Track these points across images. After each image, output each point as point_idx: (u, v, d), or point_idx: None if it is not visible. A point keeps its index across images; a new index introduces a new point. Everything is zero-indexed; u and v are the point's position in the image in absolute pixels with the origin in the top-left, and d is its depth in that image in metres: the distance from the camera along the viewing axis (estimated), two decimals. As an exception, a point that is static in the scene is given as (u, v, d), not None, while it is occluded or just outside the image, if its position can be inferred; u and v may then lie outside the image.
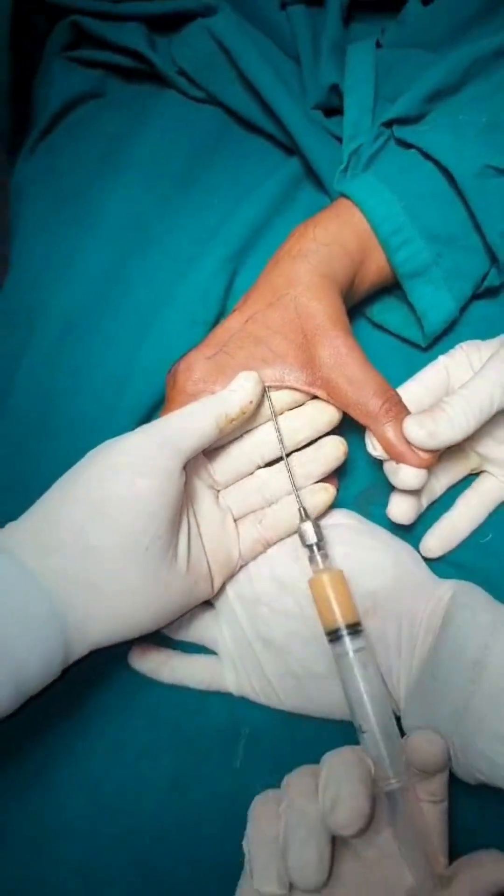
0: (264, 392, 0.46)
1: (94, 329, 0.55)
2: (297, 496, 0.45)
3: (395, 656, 0.43)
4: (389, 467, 0.45)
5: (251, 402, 0.44)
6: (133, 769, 0.46)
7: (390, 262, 0.50)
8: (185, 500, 0.43)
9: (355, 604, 0.42)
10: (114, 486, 0.39)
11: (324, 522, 0.48)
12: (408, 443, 0.43)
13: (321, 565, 0.43)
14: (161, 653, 0.47)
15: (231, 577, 0.46)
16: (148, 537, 0.39)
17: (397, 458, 0.43)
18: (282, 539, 0.47)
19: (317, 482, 0.47)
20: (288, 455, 0.46)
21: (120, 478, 0.39)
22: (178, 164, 0.60)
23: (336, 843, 0.37)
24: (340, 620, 0.41)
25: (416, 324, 0.53)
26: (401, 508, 0.46)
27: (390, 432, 0.43)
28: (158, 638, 0.48)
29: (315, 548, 0.43)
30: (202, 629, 0.47)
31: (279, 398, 0.46)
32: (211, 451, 0.46)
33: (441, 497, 0.50)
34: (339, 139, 0.56)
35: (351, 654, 0.41)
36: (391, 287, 0.54)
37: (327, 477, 0.47)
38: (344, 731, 0.45)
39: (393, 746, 0.39)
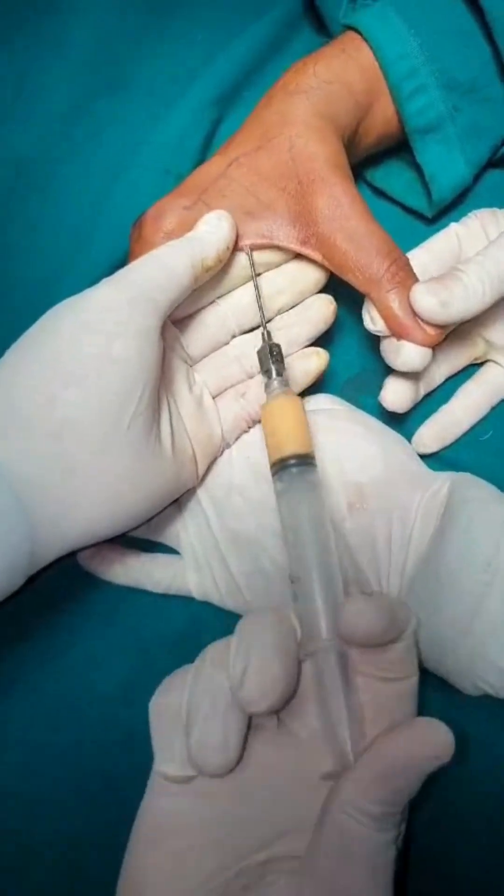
0: (246, 253, 0.39)
1: (52, 175, 0.47)
2: (262, 313, 0.39)
3: (385, 554, 0.38)
4: (388, 345, 0.39)
5: (227, 247, 0.37)
6: (81, 676, 0.42)
7: (399, 113, 0.43)
8: (162, 375, 0.37)
9: (311, 436, 0.37)
10: (88, 348, 0.32)
11: (307, 406, 0.42)
12: (414, 315, 0.37)
13: (278, 391, 0.37)
14: (114, 550, 0.42)
15: (214, 460, 0.40)
16: (129, 412, 0.33)
17: (400, 333, 0.37)
18: None
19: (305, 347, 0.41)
20: (268, 321, 0.40)
21: (94, 338, 0.33)
22: (157, -12, 0.51)
23: (252, 723, 0.33)
24: (291, 448, 0.36)
25: (422, 191, 0.47)
26: (396, 394, 0.40)
27: (395, 301, 0.37)
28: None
29: (273, 371, 0.38)
30: (161, 524, 0.41)
31: (259, 259, 0.40)
32: (179, 321, 0.40)
33: (439, 388, 0.44)
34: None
35: (296, 486, 0.35)
36: (396, 148, 0.47)
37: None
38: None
39: (332, 600, 0.33)
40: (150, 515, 0.36)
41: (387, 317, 0.37)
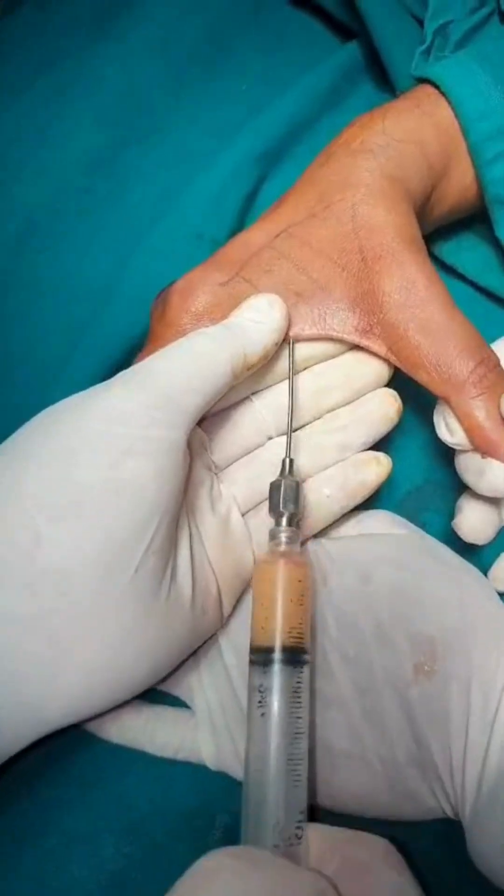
0: (289, 346, 0.32)
1: (65, 236, 0.40)
2: (290, 433, 0.31)
3: (460, 735, 0.29)
4: (470, 463, 0.31)
5: (276, 342, 0.30)
6: (63, 856, 0.32)
7: (479, 179, 0.36)
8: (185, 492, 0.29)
9: (310, 619, 0.29)
10: (88, 470, 0.25)
11: (355, 528, 0.34)
12: (506, 428, 0.29)
13: (283, 547, 0.30)
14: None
15: (242, 595, 0.32)
16: (139, 553, 0.25)
17: (487, 450, 0.29)
18: (312, 534, 0.33)
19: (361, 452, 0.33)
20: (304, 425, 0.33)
21: (98, 458, 0.25)
22: (200, 33, 0.45)
23: None
24: (278, 636, 0.28)
25: (501, 270, 0.39)
26: (475, 522, 0.32)
27: (481, 410, 0.29)
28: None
29: (284, 519, 0.30)
30: (173, 676, 0.33)
31: (304, 349, 0.33)
32: (206, 421, 0.32)
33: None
34: (419, 20, 0.42)
35: (274, 690, 0.27)
36: (472, 219, 0.40)
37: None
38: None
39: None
40: (161, 677, 0.28)
41: (470, 428, 0.29)
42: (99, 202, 0.40)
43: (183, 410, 0.26)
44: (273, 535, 0.30)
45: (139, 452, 0.25)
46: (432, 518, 0.36)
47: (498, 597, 0.32)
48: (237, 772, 0.32)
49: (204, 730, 0.32)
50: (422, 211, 0.35)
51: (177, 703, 0.34)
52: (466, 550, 0.34)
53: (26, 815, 0.33)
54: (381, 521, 0.34)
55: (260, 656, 0.28)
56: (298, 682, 0.28)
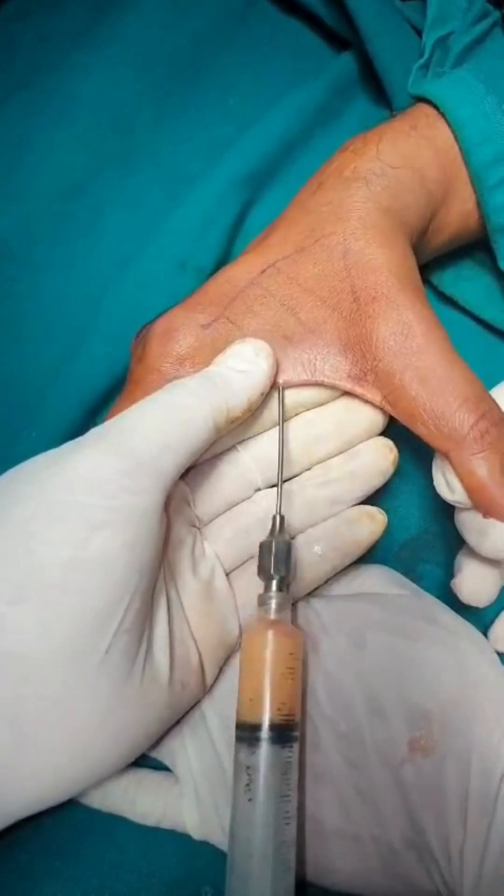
0: (278, 393, 0.30)
1: (40, 265, 0.38)
2: (280, 486, 0.29)
3: (457, 819, 0.27)
4: (470, 522, 0.29)
5: (262, 393, 0.28)
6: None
7: (481, 206, 0.34)
8: (164, 557, 0.27)
9: (300, 693, 0.27)
10: (50, 549, 0.23)
11: (349, 586, 0.32)
12: (509, 488, 0.27)
13: (273, 615, 0.27)
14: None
15: (227, 662, 0.30)
16: (109, 633, 0.23)
17: (489, 510, 0.27)
18: (302, 595, 0.31)
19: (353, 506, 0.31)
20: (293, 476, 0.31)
21: (65, 530, 0.23)
22: (184, 45, 0.42)
23: None
24: (266, 712, 0.26)
25: (503, 301, 0.37)
26: (475, 583, 0.30)
27: (483, 468, 0.27)
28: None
29: (274, 583, 0.28)
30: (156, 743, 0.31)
31: (294, 395, 0.30)
32: (188, 473, 0.30)
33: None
34: (417, 30, 0.39)
35: (262, 771, 0.25)
36: (472, 247, 0.37)
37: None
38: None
39: None
40: (135, 758, 0.26)
41: (471, 487, 0.27)
42: (77, 229, 0.38)
43: (159, 473, 0.24)
44: (262, 602, 0.28)
45: (108, 525, 0.23)
46: (430, 570, 0.34)
47: (499, 661, 0.30)
48: (222, 843, 0.30)
49: (187, 799, 0.30)
50: (419, 242, 0.33)
51: (159, 766, 0.32)
52: (465, 608, 0.32)
53: (5, 885, 0.31)
54: (376, 579, 0.32)
55: (246, 733, 0.26)
56: (288, 760, 0.26)
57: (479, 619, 0.33)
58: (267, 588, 0.28)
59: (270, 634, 0.27)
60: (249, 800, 0.26)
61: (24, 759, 0.23)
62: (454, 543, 0.33)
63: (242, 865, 0.25)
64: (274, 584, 0.28)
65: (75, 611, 0.23)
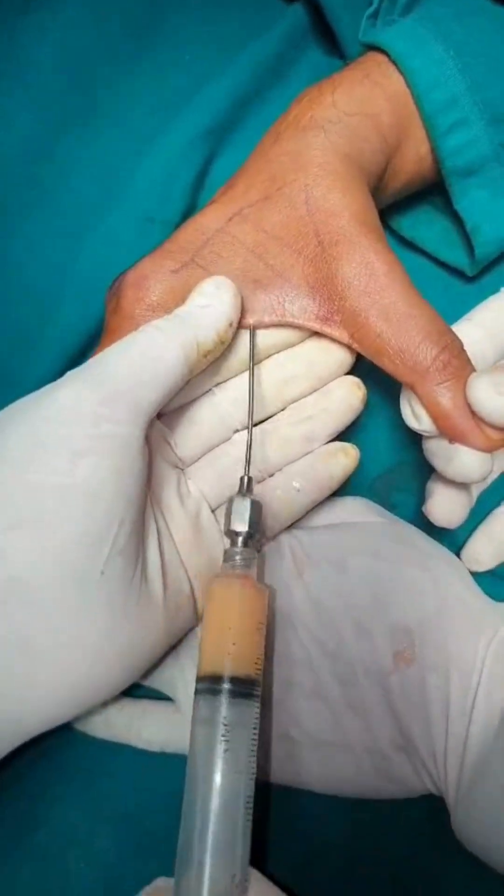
0: (250, 334, 0.31)
1: (9, 228, 0.38)
2: (249, 448, 0.30)
3: (440, 725, 0.29)
4: (437, 449, 0.30)
5: (230, 324, 0.29)
6: (58, 851, 0.33)
7: (435, 151, 0.35)
8: (147, 490, 0.28)
9: (262, 650, 0.28)
10: (43, 474, 0.24)
11: (328, 517, 0.34)
12: (472, 414, 0.29)
13: (239, 570, 0.29)
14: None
15: None
16: (103, 555, 0.25)
17: (454, 436, 0.29)
18: (282, 528, 0.33)
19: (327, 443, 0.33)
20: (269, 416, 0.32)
21: (52, 460, 0.24)
22: (137, 2, 0.43)
23: None
24: (231, 664, 0.27)
25: (460, 242, 0.39)
26: (446, 507, 0.32)
27: (446, 397, 0.29)
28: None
29: (240, 539, 0.29)
30: (154, 667, 0.33)
31: (265, 338, 0.32)
32: (168, 416, 0.32)
33: (491, 485, 0.36)
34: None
35: (221, 727, 0.26)
36: (429, 191, 0.39)
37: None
38: (358, 818, 0.32)
39: None
40: (137, 677, 0.29)
41: (436, 415, 0.29)
42: (44, 193, 0.39)
43: (135, 405, 0.26)
44: (228, 557, 0.29)
45: (91, 452, 0.25)
46: (404, 499, 0.36)
47: (471, 579, 0.33)
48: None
49: (190, 721, 0.32)
50: (377, 186, 0.35)
51: (161, 696, 0.34)
52: (438, 531, 0.34)
53: (17, 811, 0.33)
54: (354, 509, 0.34)
55: (207, 685, 0.27)
56: (251, 715, 0.27)
57: (452, 542, 0.35)
58: (233, 544, 0.29)
59: (237, 588, 0.28)
60: (226, 751, 0.26)
61: (38, 677, 0.25)
62: (424, 472, 0.34)
63: (196, 821, 0.26)
64: (240, 540, 0.29)
65: (69, 535, 0.24)
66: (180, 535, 0.30)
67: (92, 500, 0.25)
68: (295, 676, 0.31)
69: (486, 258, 0.37)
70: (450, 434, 0.29)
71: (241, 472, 0.31)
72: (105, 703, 0.33)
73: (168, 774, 0.33)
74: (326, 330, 0.31)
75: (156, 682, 0.33)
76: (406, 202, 0.39)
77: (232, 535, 0.29)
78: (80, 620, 0.25)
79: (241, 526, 0.29)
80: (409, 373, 0.29)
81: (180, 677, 0.32)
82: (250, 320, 0.31)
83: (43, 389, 0.27)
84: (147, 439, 0.27)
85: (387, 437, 0.37)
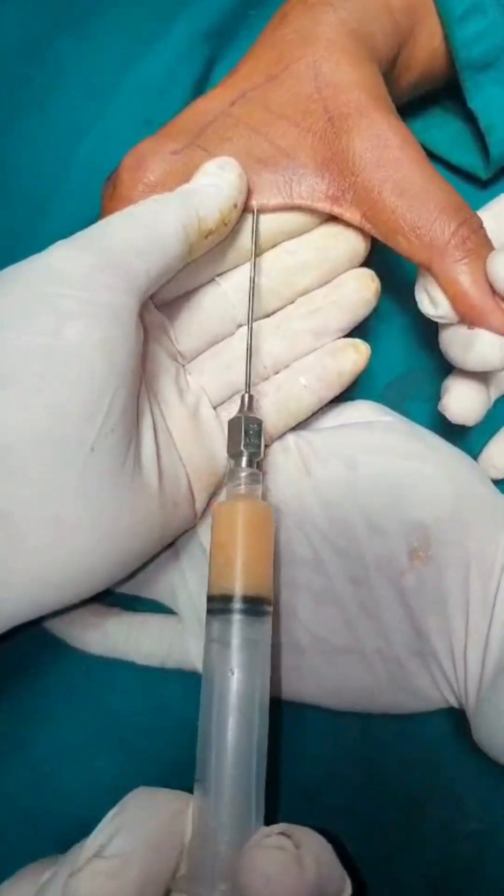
0: (252, 217, 0.29)
1: (8, 128, 0.37)
2: (249, 362, 0.29)
3: (460, 620, 0.28)
4: (455, 336, 0.29)
5: (234, 204, 0.27)
6: (55, 768, 0.31)
7: (448, 41, 0.33)
8: (143, 377, 0.27)
9: (271, 568, 0.27)
10: (27, 336, 0.23)
11: (336, 420, 0.32)
12: (493, 293, 0.27)
13: (243, 489, 0.27)
14: (88, 611, 0.31)
15: (217, 489, 0.30)
16: (93, 429, 0.23)
17: (472, 319, 0.27)
18: (288, 429, 0.31)
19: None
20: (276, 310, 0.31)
21: (39, 320, 0.23)
22: None
23: None
24: (241, 582, 0.26)
25: (474, 145, 0.37)
26: (463, 402, 0.30)
27: (465, 275, 0.27)
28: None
29: (244, 459, 0.27)
30: (150, 576, 0.31)
31: (272, 223, 0.30)
32: (166, 305, 0.30)
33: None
34: None
35: (235, 644, 0.25)
36: (442, 94, 0.37)
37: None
38: (366, 733, 0.30)
39: (242, 832, 0.24)
40: (129, 572, 0.27)
41: (455, 296, 0.27)
42: (39, 93, 0.37)
43: (130, 274, 0.24)
44: (232, 476, 0.28)
45: (80, 316, 0.23)
46: (417, 407, 0.34)
47: (488, 479, 0.31)
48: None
49: (193, 634, 0.30)
50: (388, 76, 0.33)
51: (161, 609, 0.32)
52: (454, 438, 0.32)
53: (14, 726, 0.32)
54: (363, 411, 0.32)
55: (218, 605, 0.26)
56: (263, 635, 0.26)
57: (468, 450, 0.33)
58: (236, 464, 0.28)
59: (242, 506, 0.27)
60: (223, 674, 0.25)
61: (16, 556, 0.23)
62: (438, 379, 0.33)
63: (213, 742, 0.25)
64: (244, 459, 0.27)
65: (56, 401, 0.22)
66: (178, 429, 0.28)
67: (79, 366, 0.23)
68: (303, 578, 0.29)
69: (500, 158, 0.35)
70: (468, 316, 0.27)
71: (242, 369, 0.29)
72: (101, 616, 0.31)
73: (169, 692, 0.32)
74: (337, 210, 0.29)
75: (156, 592, 0.31)
76: (418, 105, 0.38)
77: (235, 455, 0.28)
78: (65, 499, 0.23)
79: (243, 446, 0.27)
80: (425, 250, 0.27)
81: (181, 585, 0.31)
82: (254, 201, 0.29)
83: (33, 256, 0.25)
84: (142, 318, 0.26)
85: (399, 343, 0.35)
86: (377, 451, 0.30)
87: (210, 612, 0.26)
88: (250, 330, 0.29)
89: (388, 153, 0.28)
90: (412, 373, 0.35)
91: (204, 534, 0.30)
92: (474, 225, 0.27)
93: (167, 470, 0.27)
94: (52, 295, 0.23)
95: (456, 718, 0.30)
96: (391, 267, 0.33)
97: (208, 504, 0.30)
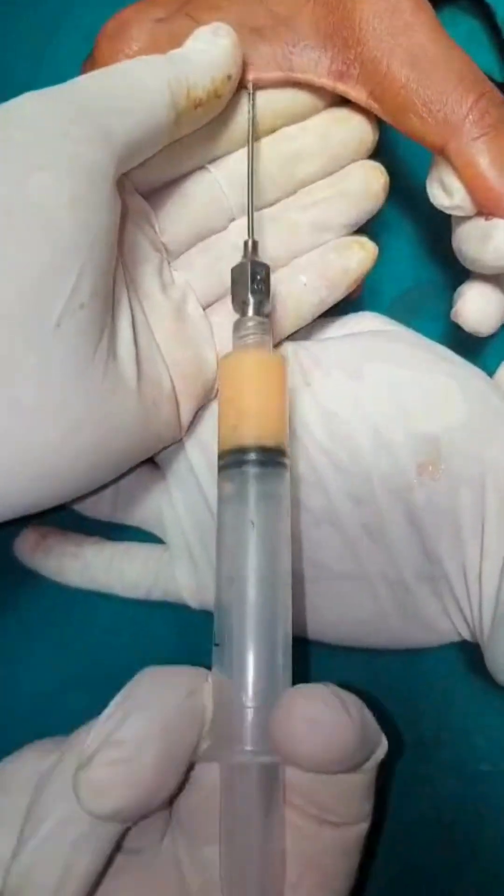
0: (248, 95, 0.26)
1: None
2: (251, 204, 0.26)
3: (474, 537, 0.25)
4: (471, 230, 0.26)
5: (227, 75, 0.24)
6: (32, 713, 0.29)
7: None
8: (120, 263, 0.24)
9: (286, 422, 0.24)
10: None
11: (344, 330, 0.29)
12: (515, 175, 0.24)
13: (251, 339, 0.24)
14: (66, 540, 0.29)
15: (207, 400, 0.27)
16: (59, 298, 0.20)
17: (491, 205, 0.25)
18: (286, 334, 0.28)
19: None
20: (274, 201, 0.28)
21: (1, 168, 0.20)
22: None
23: (123, 846, 0.21)
24: (254, 433, 0.23)
25: (489, 44, 0.34)
26: (478, 306, 0.27)
27: (484, 155, 0.24)
28: (62, 514, 0.29)
29: (250, 308, 0.24)
30: (133, 499, 0.28)
31: (271, 104, 0.27)
32: (151, 192, 0.27)
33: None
34: None
35: (252, 497, 0.22)
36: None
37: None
38: (371, 671, 0.28)
39: (269, 689, 0.21)
40: (105, 479, 0.24)
41: (472, 179, 0.24)
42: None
43: (105, 130, 0.21)
44: (238, 327, 0.25)
45: (48, 168, 0.20)
46: (426, 326, 0.31)
47: (502, 392, 0.28)
48: (218, 607, 0.28)
49: (180, 561, 0.28)
50: None
51: (146, 538, 0.29)
52: (461, 349, 0.30)
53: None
54: (367, 322, 0.29)
55: (231, 458, 0.23)
56: (281, 489, 0.23)
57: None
58: (243, 313, 0.25)
59: (251, 356, 0.24)
60: (242, 528, 0.22)
61: None
62: (449, 295, 0.30)
63: (232, 592, 0.22)
64: (250, 308, 0.25)
65: (18, 262, 0.19)
66: (161, 327, 0.25)
67: (44, 223, 0.20)
68: (300, 499, 0.26)
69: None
70: (487, 202, 0.25)
71: (236, 262, 0.26)
72: (80, 545, 0.29)
73: (156, 627, 0.29)
74: (341, 87, 0.26)
75: (140, 517, 0.29)
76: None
77: (240, 303, 0.25)
78: (25, 377, 0.20)
79: (251, 293, 0.24)
80: (440, 128, 0.25)
81: (168, 507, 0.28)
82: (250, 75, 0.26)
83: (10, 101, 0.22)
84: (123, 200, 0.23)
85: (407, 255, 0.32)
86: (384, 360, 0.27)
87: (223, 469, 0.23)
88: (251, 179, 0.26)
89: (398, 19, 0.25)
90: (421, 287, 0.32)
91: (192, 450, 0.27)
92: (495, 99, 0.25)
93: (147, 370, 0.24)
94: (18, 142, 0.20)
95: (466, 655, 0.28)
96: (399, 171, 0.30)
97: (198, 415, 0.27)
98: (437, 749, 0.27)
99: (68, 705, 0.29)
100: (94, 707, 0.28)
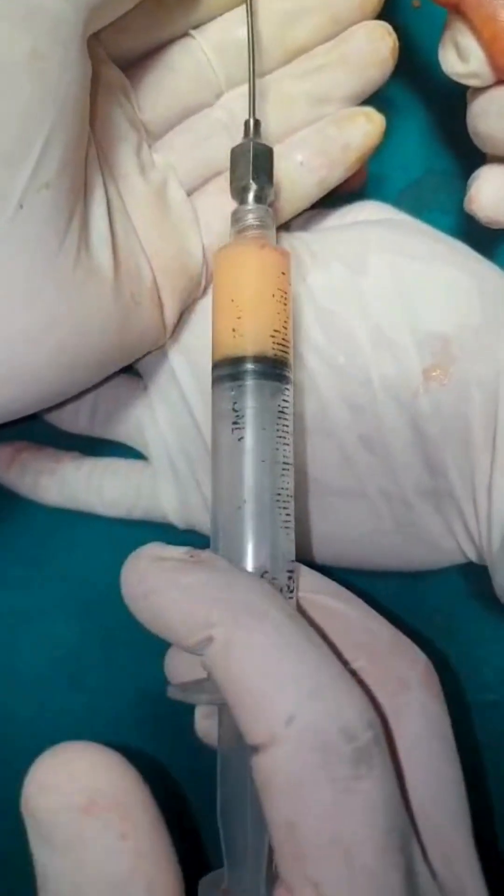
0: None
1: None
2: (252, 76, 0.22)
3: (485, 447, 0.23)
4: (488, 102, 0.23)
5: None
6: (8, 635, 0.27)
7: None
8: (93, 141, 0.21)
9: (289, 326, 0.21)
10: None
11: (345, 220, 0.27)
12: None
13: (252, 232, 0.21)
14: (42, 455, 0.27)
15: (192, 299, 0.25)
16: (20, 174, 0.18)
17: None
18: (280, 222, 0.25)
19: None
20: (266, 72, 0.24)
21: None
22: None
23: None
24: (252, 341, 0.20)
25: None
26: (493, 192, 0.24)
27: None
28: (39, 430, 0.27)
29: (251, 195, 0.21)
30: (113, 412, 0.26)
31: None
32: (128, 66, 0.24)
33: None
34: None
35: (254, 408, 0.20)
36: None
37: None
38: (370, 595, 0.26)
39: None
40: (81, 383, 0.22)
41: (491, 38, 0.21)
42: None
43: None
44: (238, 218, 0.22)
45: (4, 20, 0.17)
46: (436, 219, 0.28)
47: None
48: (204, 524, 0.26)
49: (164, 477, 0.26)
50: None
51: (127, 453, 0.27)
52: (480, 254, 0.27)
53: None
54: (370, 211, 0.26)
55: (228, 369, 0.20)
56: (285, 403, 0.20)
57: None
58: (242, 202, 0.22)
59: (250, 251, 0.21)
60: (239, 439, 0.20)
61: None
62: (461, 186, 0.27)
63: (231, 520, 0.20)
64: (251, 196, 0.22)
65: None
66: (140, 213, 0.23)
67: (6, 84, 0.17)
68: (293, 406, 0.24)
69: None
70: None
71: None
72: (58, 461, 0.27)
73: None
74: None
75: (121, 431, 0.26)
76: None
77: (239, 189, 0.22)
78: None
79: (252, 178, 0.21)
80: None
81: (150, 421, 0.26)
82: None
83: None
84: (93, 57, 0.20)
85: (416, 140, 0.29)
86: (390, 253, 0.24)
87: (218, 381, 0.20)
88: (251, 42, 0.22)
89: None
90: (431, 175, 0.29)
91: (175, 356, 0.25)
92: None
93: (125, 259, 0.21)
94: None
95: (469, 578, 0.26)
96: (409, 40, 0.27)
97: (183, 316, 0.24)
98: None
99: (43, 632, 0.27)
100: (70, 635, 0.27)
